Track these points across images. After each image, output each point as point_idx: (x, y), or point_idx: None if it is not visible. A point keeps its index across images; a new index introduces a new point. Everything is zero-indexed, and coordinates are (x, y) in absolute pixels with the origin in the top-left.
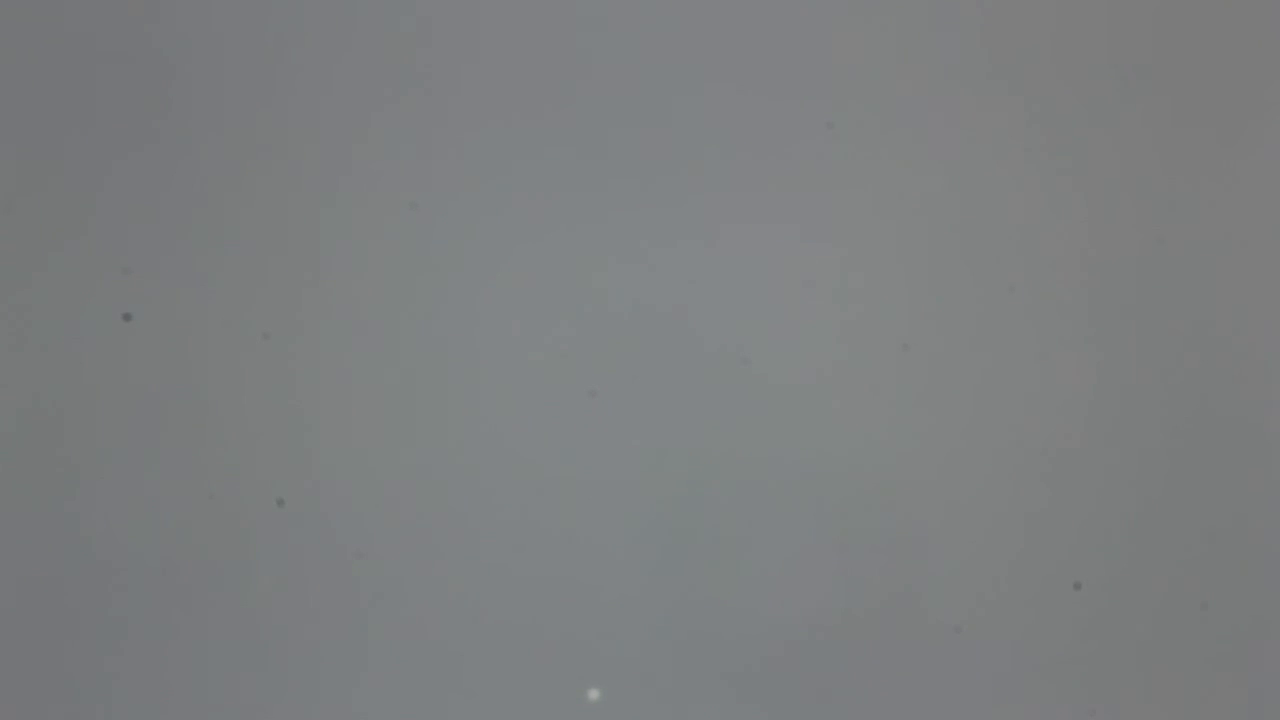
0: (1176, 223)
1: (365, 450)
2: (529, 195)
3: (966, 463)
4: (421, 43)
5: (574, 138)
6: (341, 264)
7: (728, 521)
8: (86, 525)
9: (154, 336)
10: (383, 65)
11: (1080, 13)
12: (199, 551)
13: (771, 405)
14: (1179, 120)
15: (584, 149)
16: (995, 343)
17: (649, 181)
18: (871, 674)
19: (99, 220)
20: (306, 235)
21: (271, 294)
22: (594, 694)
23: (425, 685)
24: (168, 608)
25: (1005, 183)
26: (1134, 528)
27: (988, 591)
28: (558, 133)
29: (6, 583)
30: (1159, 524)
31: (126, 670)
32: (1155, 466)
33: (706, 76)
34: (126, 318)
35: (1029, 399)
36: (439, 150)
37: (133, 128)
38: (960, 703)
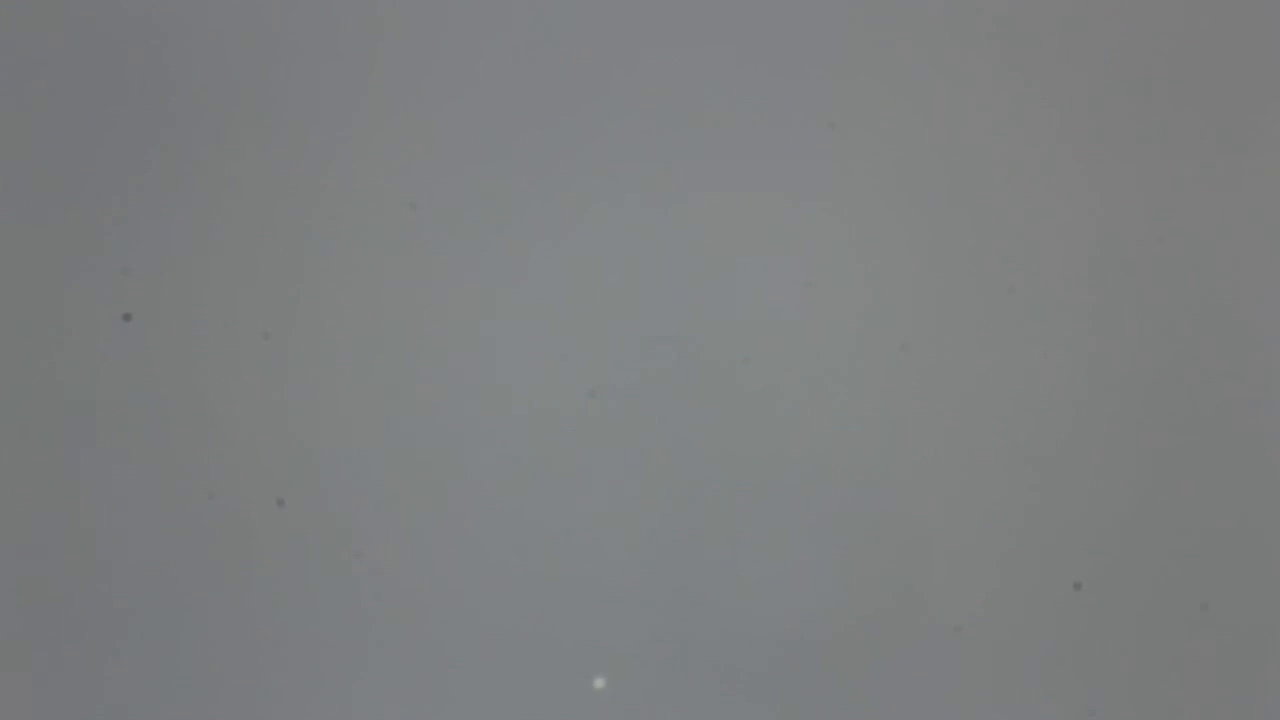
0: (1177, 223)
1: (365, 450)
2: (528, 196)
3: (966, 463)
4: (421, 43)
5: (574, 138)
6: (342, 264)
7: (728, 521)
8: (86, 525)
9: (154, 336)
10: (382, 65)
11: (1080, 14)
12: (199, 551)
13: (771, 405)
14: (1180, 121)
15: (584, 149)
16: (995, 343)
17: (648, 181)
18: (871, 674)
19: (99, 220)
20: (306, 236)
21: (271, 294)
22: (599, 682)
23: (425, 685)
24: (168, 608)
25: (1006, 183)
26: (1134, 528)
27: (988, 591)
28: (557, 133)
29: (7, 582)
30: (1159, 524)
31: (127, 670)
32: (1155, 466)
33: (706, 77)
34: (126, 318)
35: (1029, 399)
36: (439, 150)
37: (133, 128)
38: (960, 703)
